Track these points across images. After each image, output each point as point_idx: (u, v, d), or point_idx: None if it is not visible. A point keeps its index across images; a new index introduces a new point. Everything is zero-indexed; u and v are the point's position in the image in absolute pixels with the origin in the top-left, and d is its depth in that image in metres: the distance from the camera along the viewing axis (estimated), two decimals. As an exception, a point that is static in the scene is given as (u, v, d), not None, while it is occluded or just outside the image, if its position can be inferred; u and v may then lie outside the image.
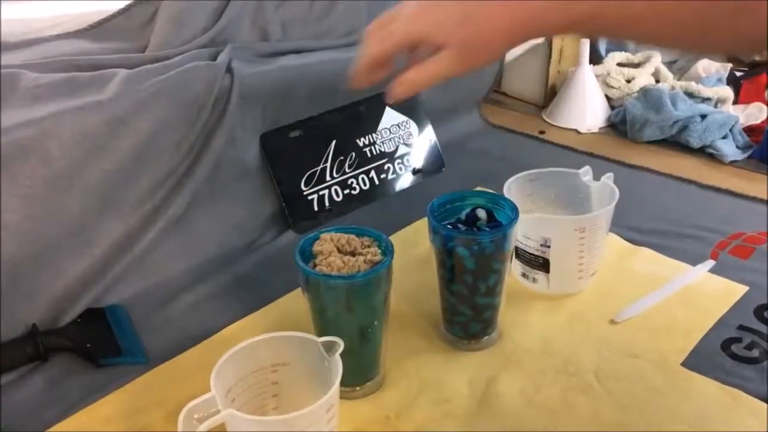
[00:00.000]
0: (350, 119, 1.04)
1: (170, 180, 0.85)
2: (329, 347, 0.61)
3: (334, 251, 0.66)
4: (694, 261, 0.88)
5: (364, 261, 0.65)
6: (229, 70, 0.88)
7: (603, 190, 0.83)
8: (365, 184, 1.04)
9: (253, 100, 0.91)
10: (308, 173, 0.98)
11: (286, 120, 0.97)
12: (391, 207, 1.04)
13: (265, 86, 0.91)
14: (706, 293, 0.82)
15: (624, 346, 0.75)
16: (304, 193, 0.98)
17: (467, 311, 0.73)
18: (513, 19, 0.50)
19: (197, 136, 0.85)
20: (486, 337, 0.76)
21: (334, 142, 1.01)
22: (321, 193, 0.99)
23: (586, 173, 0.85)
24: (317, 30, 1.05)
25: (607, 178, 0.83)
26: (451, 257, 0.70)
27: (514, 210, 0.72)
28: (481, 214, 0.73)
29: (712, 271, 0.86)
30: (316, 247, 0.66)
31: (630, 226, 0.95)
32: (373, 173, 1.05)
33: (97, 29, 0.97)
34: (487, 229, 0.71)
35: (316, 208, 0.99)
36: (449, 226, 0.72)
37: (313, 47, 1.00)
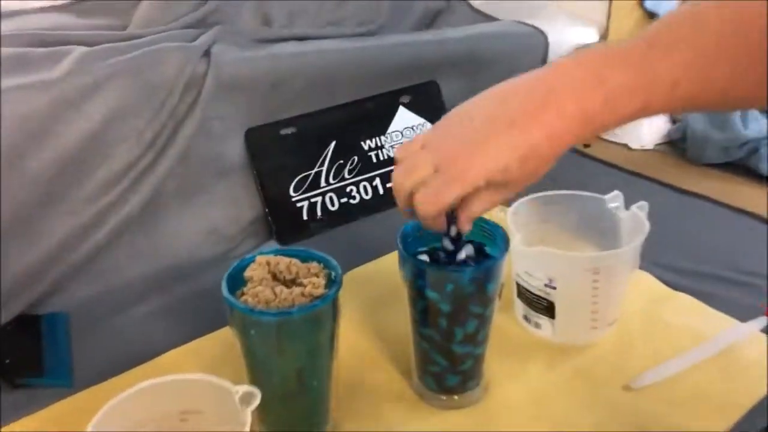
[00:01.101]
0: (355, 118, 0.92)
1: (130, 174, 0.75)
2: (246, 398, 0.49)
3: (267, 279, 0.54)
4: (743, 316, 0.71)
5: (302, 293, 0.52)
6: (207, 54, 0.78)
7: (633, 222, 0.68)
8: (367, 194, 0.91)
9: (234, 89, 0.80)
10: (299, 177, 0.87)
11: (277, 115, 0.86)
12: (395, 222, 0.91)
13: (250, 75, 0.80)
14: (753, 359, 0.66)
15: (638, 419, 0.60)
16: (293, 198, 0.86)
17: (441, 360, 0.60)
18: (562, 142, 0.47)
19: (163, 126, 0.75)
20: (466, 393, 0.62)
21: (333, 144, 0.89)
22: (313, 200, 0.87)
23: (614, 199, 0.70)
24: (329, 20, 0.93)
25: (639, 208, 0.68)
26: (423, 296, 0.57)
27: (505, 242, 0.58)
28: (467, 249, 0.59)
29: (765, 330, 0.69)
30: (248, 273, 0.54)
31: (670, 265, 0.79)
32: (377, 181, 0.92)
33: (83, 4, 0.88)
34: (470, 264, 0.57)
35: (305, 217, 0.87)
36: (424, 256, 0.58)
37: (318, 35, 0.88)
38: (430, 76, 0.97)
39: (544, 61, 1.12)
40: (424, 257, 0.58)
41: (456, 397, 0.62)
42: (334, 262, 0.56)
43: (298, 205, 0.87)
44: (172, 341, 0.70)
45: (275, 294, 0.52)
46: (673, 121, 1.11)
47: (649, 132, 1.09)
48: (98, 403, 0.62)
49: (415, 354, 0.62)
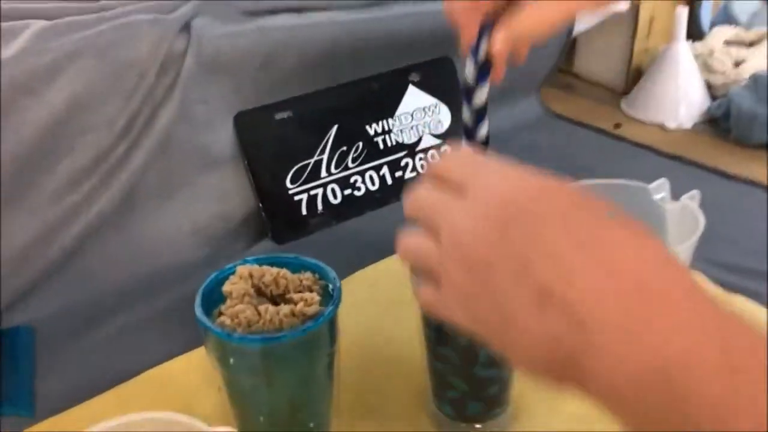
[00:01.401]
0: (359, 100, 0.81)
1: (100, 168, 0.65)
2: (223, 443, 0.40)
3: (250, 294, 0.44)
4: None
5: (292, 312, 0.43)
6: (187, 28, 0.68)
7: (683, 216, 0.58)
8: (374, 184, 0.81)
9: (219, 69, 0.70)
10: (297, 167, 0.77)
11: (270, 97, 0.76)
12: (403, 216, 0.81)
13: (237, 52, 0.70)
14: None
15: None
16: (290, 191, 0.76)
17: (461, 384, 0.50)
18: None
19: (137, 113, 0.65)
20: (490, 421, 0.52)
21: (334, 128, 0.79)
22: (312, 192, 0.78)
23: (659, 189, 0.60)
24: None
25: (690, 198, 0.58)
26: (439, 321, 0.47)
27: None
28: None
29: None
30: (227, 287, 0.45)
31: (723, 262, 0.69)
32: (385, 170, 0.82)
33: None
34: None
35: (304, 212, 0.77)
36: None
37: (315, 6, 0.78)
38: (444, 52, 0.86)
39: (569, 34, 1.01)
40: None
41: (478, 426, 0.52)
42: (332, 273, 0.46)
43: (296, 198, 0.77)
44: (153, 359, 0.61)
45: (259, 314, 0.43)
46: (714, 97, 1.00)
47: (687, 109, 0.98)
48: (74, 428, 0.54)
49: (429, 376, 0.53)
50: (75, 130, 0.63)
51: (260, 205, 0.75)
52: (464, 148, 0.40)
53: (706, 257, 0.66)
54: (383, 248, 0.71)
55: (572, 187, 0.31)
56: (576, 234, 0.29)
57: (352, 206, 0.80)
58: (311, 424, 0.47)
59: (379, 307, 0.64)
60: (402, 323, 0.61)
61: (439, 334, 0.49)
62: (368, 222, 0.80)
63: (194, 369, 0.58)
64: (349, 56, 0.79)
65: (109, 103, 0.64)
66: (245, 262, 0.47)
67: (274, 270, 0.45)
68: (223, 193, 0.74)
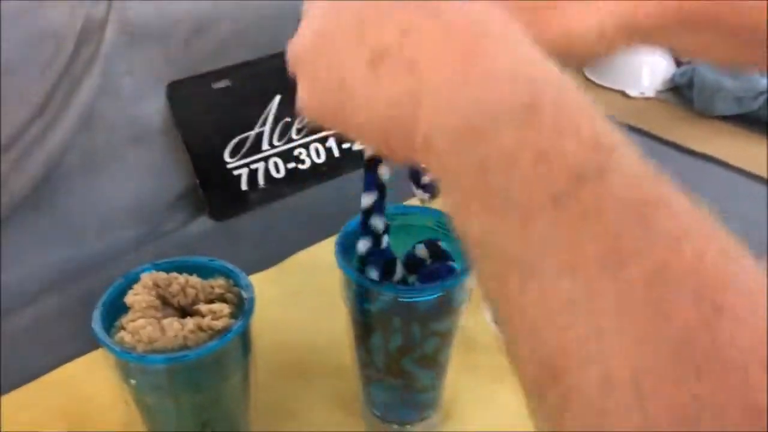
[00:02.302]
0: (303, 67, 0.77)
1: (15, 147, 0.60)
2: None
3: (155, 306, 0.41)
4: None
5: (199, 327, 0.40)
6: (107, -8, 0.62)
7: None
8: (319, 157, 0.77)
9: (146, 36, 0.65)
10: (236, 139, 0.73)
11: (206, 65, 0.71)
12: (352, 190, 0.77)
13: (164, 18, 0.65)
14: None
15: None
16: (229, 165, 0.73)
17: (391, 385, 0.48)
18: None
19: (54, 86, 0.60)
20: (422, 422, 0.50)
21: (277, 98, 0.75)
22: (253, 166, 0.74)
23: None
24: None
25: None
26: (368, 317, 0.44)
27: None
28: (421, 252, 0.45)
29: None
30: (129, 298, 0.41)
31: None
32: (331, 142, 0.78)
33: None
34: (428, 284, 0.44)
35: (244, 187, 0.73)
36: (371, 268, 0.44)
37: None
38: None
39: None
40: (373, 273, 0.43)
41: (408, 426, 0.50)
42: (245, 279, 0.43)
43: (236, 173, 0.73)
44: (73, 351, 0.57)
45: (162, 329, 0.40)
46: (678, 63, 0.97)
47: (650, 76, 0.95)
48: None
49: (359, 373, 0.50)
50: (-16, 106, 0.58)
51: (197, 180, 0.71)
52: None
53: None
54: (328, 224, 0.68)
55: None
56: None
57: (297, 180, 0.76)
58: (216, 424, 0.44)
59: (317, 294, 0.61)
60: (336, 314, 0.58)
61: (367, 336, 0.46)
62: (313, 196, 0.77)
63: (107, 368, 0.56)
64: (292, 19, 0.74)
65: (22, 78, 0.59)
66: (151, 268, 0.43)
67: (182, 278, 0.42)
68: (156, 168, 0.70)
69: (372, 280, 0.42)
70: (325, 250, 0.66)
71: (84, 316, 0.60)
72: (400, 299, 0.42)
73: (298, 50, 0.32)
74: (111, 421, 0.50)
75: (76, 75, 0.61)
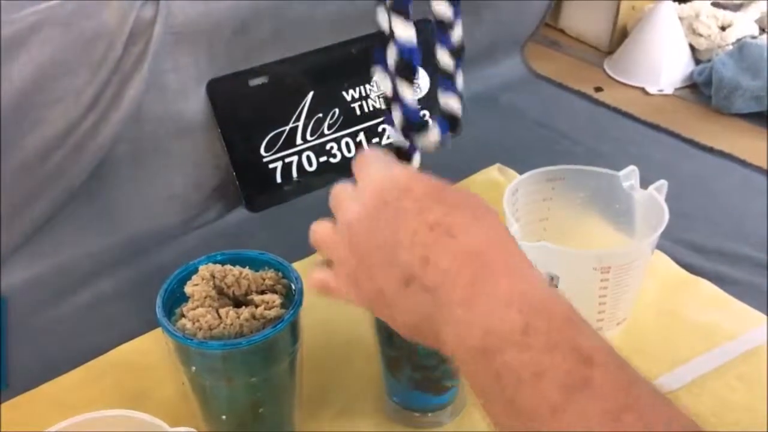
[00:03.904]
0: (335, 65, 0.80)
1: (69, 140, 0.64)
2: (184, 443, 0.41)
3: (211, 296, 0.45)
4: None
5: (253, 316, 0.44)
6: (155, -5, 0.66)
7: (650, 205, 0.58)
8: (350, 151, 0.81)
9: (191, 36, 0.68)
10: (272, 134, 0.76)
11: (244, 63, 0.74)
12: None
13: (209, 18, 0.68)
14: (782, 365, 0.57)
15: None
16: (264, 159, 0.76)
17: (411, 374, 0.51)
18: None
19: (105, 84, 0.64)
20: (442, 410, 0.54)
21: (311, 95, 0.78)
22: (287, 160, 0.77)
23: (628, 177, 0.60)
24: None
25: (657, 189, 0.58)
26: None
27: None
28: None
29: (798, 330, 0.60)
30: (189, 288, 0.45)
31: (690, 242, 0.70)
32: (362, 136, 0.81)
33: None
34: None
35: (278, 180, 0.77)
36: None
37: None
38: (424, 14, 0.84)
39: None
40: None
41: (430, 414, 0.54)
42: (294, 272, 0.47)
43: (271, 166, 0.76)
44: (128, 330, 0.62)
45: (220, 317, 0.43)
46: (698, 61, 0.99)
47: (669, 74, 0.97)
48: (37, 410, 0.55)
49: (382, 367, 0.53)
50: (42, 103, 0.62)
51: (234, 172, 0.75)
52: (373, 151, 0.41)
53: (674, 236, 0.66)
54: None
55: (432, 180, 0.36)
56: (429, 220, 0.34)
57: (328, 173, 0.80)
58: (274, 420, 0.48)
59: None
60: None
61: (389, 332, 0.49)
62: (343, 189, 0.80)
63: (160, 348, 0.59)
64: (326, 20, 0.78)
65: (76, 75, 0.62)
66: (208, 260, 0.47)
67: (236, 270, 0.46)
68: (196, 161, 0.74)
69: None
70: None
71: (136, 297, 0.65)
72: None
73: (343, 257, 0.37)
74: (166, 398, 0.54)
75: (125, 73, 0.65)
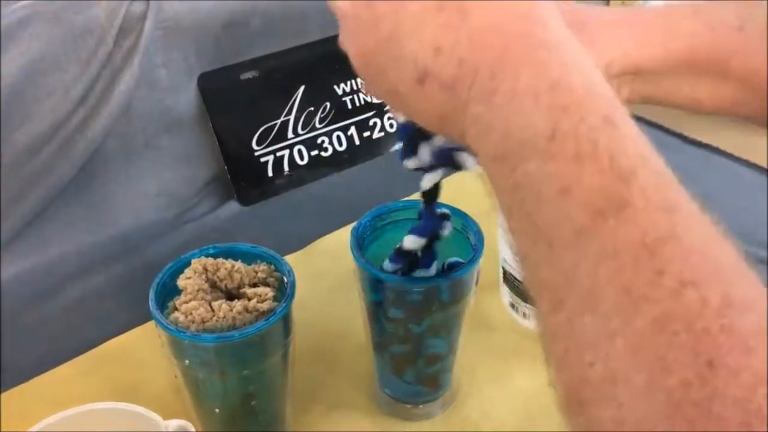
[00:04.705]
0: (327, 58, 0.80)
1: (58, 135, 0.64)
2: (178, 434, 0.41)
3: (204, 289, 0.45)
4: None
5: (245, 309, 0.44)
6: (146, -11, 0.66)
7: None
8: (341, 144, 0.81)
9: (181, 31, 0.68)
10: (263, 128, 0.76)
11: (235, 57, 0.74)
12: (372, 177, 0.81)
13: (199, 13, 0.68)
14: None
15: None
16: (256, 153, 0.76)
17: (404, 365, 0.52)
18: None
19: (95, 79, 0.64)
20: (434, 401, 0.54)
21: (302, 88, 0.78)
22: (279, 154, 0.77)
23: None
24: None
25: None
26: (378, 304, 0.48)
27: (479, 238, 0.48)
28: (411, 243, 0.45)
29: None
30: (182, 281, 0.45)
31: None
32: (353, 130, 0.82)
33: None
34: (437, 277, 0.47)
35: (270, 174, 0.77)
36: (388, 264, 0.46)
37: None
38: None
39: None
40: (388, 265, 0.46)
41: (421, 406, 0.54)
42: (287, 265, 0.47)
43: (262, 160, 0.77)
44: (119, 324, 0.62)
45: (212, 310, 0.44)
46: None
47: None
48: (29, 404, 0.55)
49: (373, 357, 0.54)
50: (31, 98, 0.62)
51: (225, 167, 0.75)
52: None
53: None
54: (351, 210, 0.72)
55: None
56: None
57: (320, 167, 0.80)
58: (267, 413, 0.49)
59: (341, 279, 0.65)
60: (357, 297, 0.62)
61: (377, 313, 0.49)
62: (335, 183, 0.80)
63: (152, 341, 0.60)
64: (317, 13, 0.78)
65: (66, 70, 0.62)
66: (201, 253, 0.47)
67: (228, 264, 0.46)
68: (187, 155, 0.74)
69: (380, 270, 0.45)
70: (347, 235, 0.71)
71: (128, 292, 0.65)
72: (405, 288, 0.46)
73: (351, 55, 0.33)
74: (158, 391, 0.54)
75: (115, 68, 0.65)
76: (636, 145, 0.25)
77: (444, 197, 0.45)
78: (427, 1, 0.28)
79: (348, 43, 0.33)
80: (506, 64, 0.27)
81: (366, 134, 0.83)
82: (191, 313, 0.43)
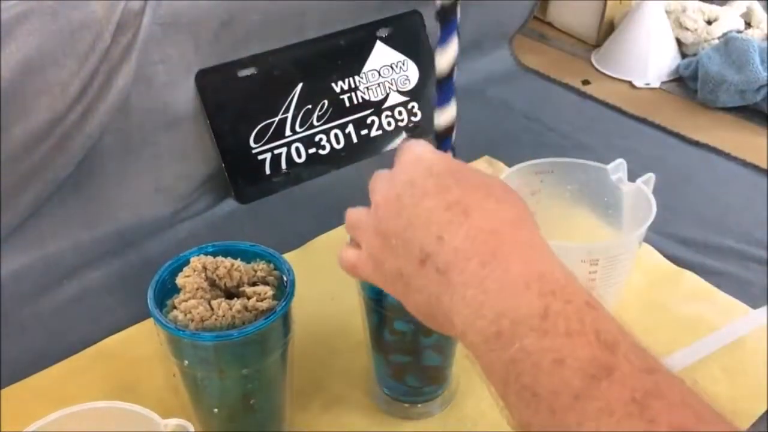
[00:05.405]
0: (325, 56, 0.80)
1: (55, 131, 0.64)
2: (176, 433, 0.41)
3: (203, 288, 0.45)
4: (756, 301, 0.63)
5: (245, 307, 0.44)
6: (144, -15, 0.65)
7: (638, 198, 0.59)
8: (338, 142, 0.81)
9: (179, 27, 0.68)
10: (261, 125, 0.76)
11: (233, 54, 0.74)
12: (370, 175, 0.81)
13: (197, 9, 0.68)
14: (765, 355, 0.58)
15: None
16: (254, 150, 0.76)
17: (402, 362, 0.52)
18: None
19: (92, 75, 0.63)
20: (432, 400, 0.54)
21: (300, 86, 0.78)
22: (276, 151, 0.77)
23: (616, 169, 0.61)
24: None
25: (645, 182, 0.59)
26: (376, 302, 0.48)
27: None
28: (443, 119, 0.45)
29: (781, 320, 0.61)
30: (180, 280, 0.45)
31: (676, 234, 0.71)
32: (351, 128, 0.81)
33: None
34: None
35: (267, 171, 0.77)
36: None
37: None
38: (413, 5, 0.85)
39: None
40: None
41: (419, 405, 0.54)
42: (286, 264, 0.47)
43: (260, 157, 0.76)
44: (116, 322, 0.62)
45: (212, 308, 0.43)
46: (684, 55, 1.00)
47: (656, 67, 0.98)
48: (26, 402, 0.55)
49: (371, 355, 0.54)
50: (28, 94, 0.61)
51: (223, 164, 0.74)
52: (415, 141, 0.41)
53: (656, 228, 0.67)
54: (348, 207, 0.72)
55: (456, 161, 0.38)
56: (447, 200, 0.34)
57: (317, 165, 0.80)
58: (265, 411, 0.48)
59: (339, 276, 0.65)
60: (356, 296, 0.62)
61: (375, 310, 0.49)
62: (333, 181, 0.80)
63: (150, 339, 0.59)
64: (315, 11, 0.77)
65: (64, 65, 0.62)
66: (199, 251, 0.47)
67: (228, 262, 0.46)
68: (185, 152, 0.73)
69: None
70: (344, 233, 0.71)
71: (125, 289, 0.65)
72: None
73: (369, 239, 0.38)
74: (155, 390, 0.54)
75: (113, 64, 0.65)
76: (613, 322, 0.29)
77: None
78: (440, 201, 0.34)
79: (373, 225, 0.38)
80: (498, 257, 0.31)
81: (364, 132, 0.82)
82: (190, 312, 0.43)
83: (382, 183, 0.38)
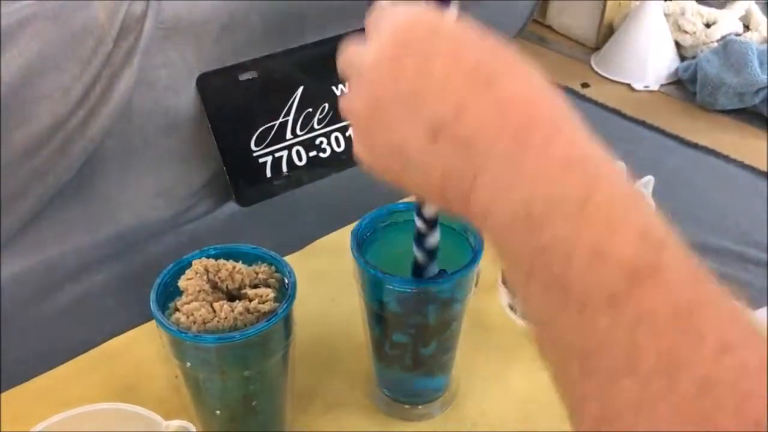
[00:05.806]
0: (325, 59, 0.80)
1: (57, 136, 0.64)
2: (178, 435, 0.41)
3: (205, 290, 0.45)
4: (756, 302, 0.63)
5: (247, 309, 0.44)
6: (145, -10, 0.66)
7: (637, 201, 0.59)
8: (339, 146, 0.81)
9: (180, 32, 0.68)
10: (262, 129, 0.76)
11: (234, 58, 0.74)
12: (370, 178, 0.81)
13: (198, 14, 0.68)
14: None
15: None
16: (255, 153, 0.76)
17: (404, 364, 0.52)
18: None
19: (95, 79, 0.64)
20: (433, 401, 0.55)
21: (300, 89, 0.78)
22: (277, 154, 0.77)
23: (616, 173, 0.61)
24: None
25: (644, 185, 0.59)
26: (378, 304, 0.48)
27: (478, 240, 0.48)
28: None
29: (779, 322, 0.61)
30: (183, 282, 0.45)
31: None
32: (351, 132, 0.82)
33: None
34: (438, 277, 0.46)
35: (268, 174, 0.77)
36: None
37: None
38: (412, 9, 0.85)
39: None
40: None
41: (420, 407, 0.54)
42: (287, 266, 0.47)
43: (261, 160, 0.77)
44: (118, 324, 0.62)
45: (214, 311, 0.44)
46: (683, 58, 1.00)
47: (655, 70, 0.98)
48: (29, 404, 0.55)
49: (372, 356, 0.54)
50: (30, 98, 0.61)
51: (224, 167, 0.75)
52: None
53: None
54: (348, 211, 0.72)
55: (462, 22, 0.31)
56: (465, 64, 0.29)
57: (318, 168, 0.80)
58: (267, 413, 0.49)
59: (340, 278, 0.65)
60: (357, 298, 0.62)
61: (377, 313, 0.49)
62: (334, 183, 0.80)
63: (152, 341, 0.60)
64: (315, 16, 0.78)
65: (65, 70, 0.62)
66: (201, 254, 0.47)
67: (229, 264, 0.46)
68: (186, 155, 0.74)
69: (381, 272, 0.45)
70: (346, 236, 0.71)
71: (126, 292, 0.65)
72: (406, 290, 0.46)
73: (354, 109, 0.33)
74: (157, 391, 0.54)
75: (115, 68, 0.65)
76: (660, 221, 0.25)
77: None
78: (456, 66, 0.29)
79: (358, 94, 0.32)
80: (534, 131, 0.27)
81: (364, 135, 0.83)
82: (192, 314, 0.43)
83: (360, 52, 0.32)
